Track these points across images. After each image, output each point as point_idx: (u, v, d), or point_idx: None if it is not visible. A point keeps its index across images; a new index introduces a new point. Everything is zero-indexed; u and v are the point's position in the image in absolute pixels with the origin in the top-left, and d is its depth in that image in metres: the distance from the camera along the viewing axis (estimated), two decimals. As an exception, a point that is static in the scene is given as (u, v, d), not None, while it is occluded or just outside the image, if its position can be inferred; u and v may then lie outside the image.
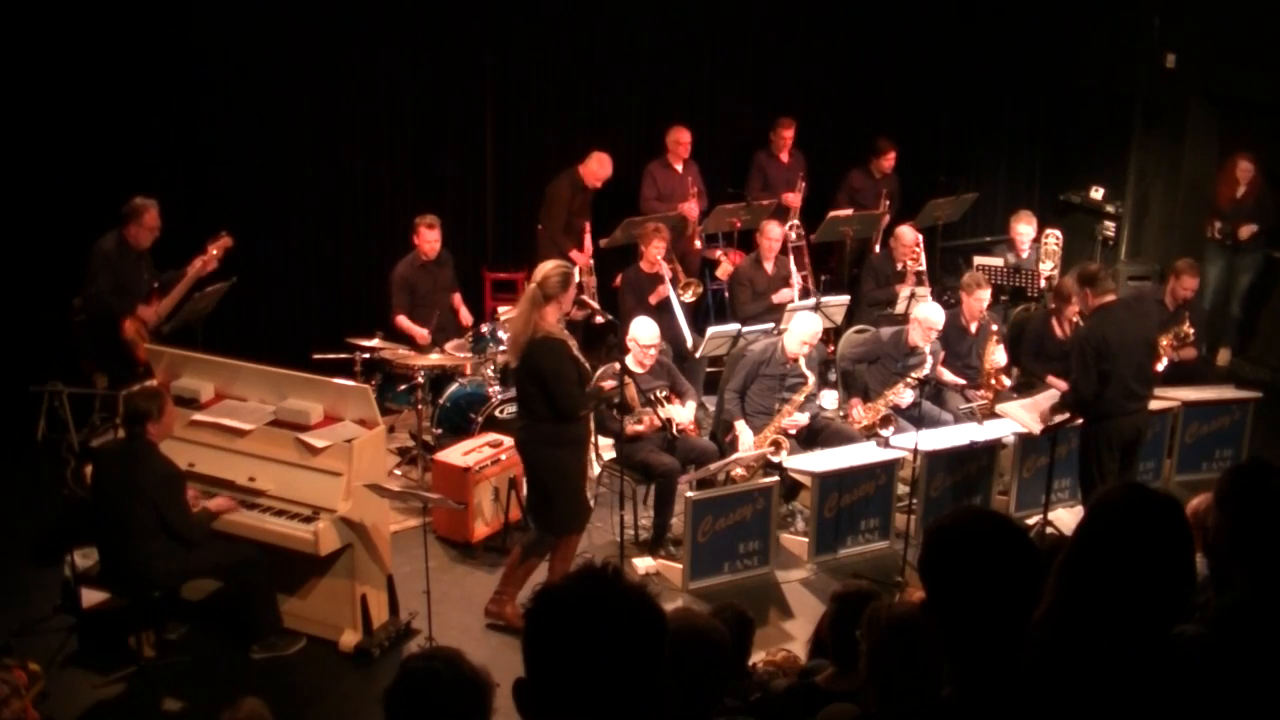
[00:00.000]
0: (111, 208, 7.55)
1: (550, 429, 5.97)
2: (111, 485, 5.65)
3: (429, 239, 8.21)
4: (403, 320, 8.20)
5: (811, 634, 4.79)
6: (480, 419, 7.56)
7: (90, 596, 5.93)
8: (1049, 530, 7.02)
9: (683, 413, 7.26)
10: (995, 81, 11.43)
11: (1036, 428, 6.89)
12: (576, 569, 1.98)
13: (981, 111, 11.51)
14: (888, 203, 10.01)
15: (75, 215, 8.02)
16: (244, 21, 8.66)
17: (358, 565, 6.03)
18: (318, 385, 6.23)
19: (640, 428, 7.06)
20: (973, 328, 8.15)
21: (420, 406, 7.74)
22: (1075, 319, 7.56)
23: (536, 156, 9.83)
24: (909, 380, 7.57)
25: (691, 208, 9.55)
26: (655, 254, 8.44)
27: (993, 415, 7.55)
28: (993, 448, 7.42)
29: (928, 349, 7.63)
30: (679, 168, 9.69)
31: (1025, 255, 9.45)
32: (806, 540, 7.13)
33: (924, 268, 9.20)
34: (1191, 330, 7.99)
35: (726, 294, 9.40)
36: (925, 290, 9.02)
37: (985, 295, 8.13)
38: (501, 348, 7.70)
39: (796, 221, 9.75)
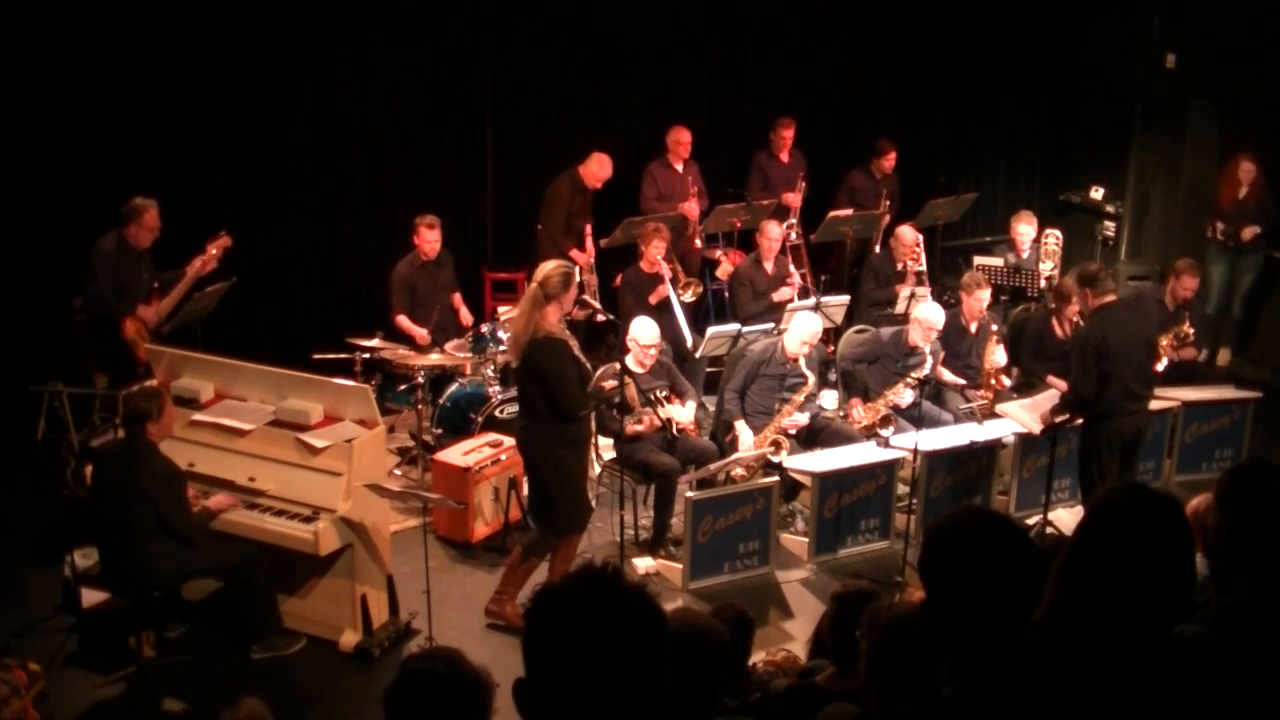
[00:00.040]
0: (111, 208, 7.56)
1: (551, 429, 5.97)
2: (111, 485, 5.65)
3: (429, 239, 8.21)
4: (402, 320, 8.20)
5: (811, 634, 4.79)
6: (480, 419, 7.56)
7: (90, 596, 5.93)
8: (1049, 530, 7.02)
9: (683, 413, 7.26)
10: (995, 81, 11.43)
11: (1036, 428, 6.90)
12: (576, 569, 1.98)
13: (981, 111, 11.51)
14: (888, 203, 10.02)
15: (75, 215, 8.02)
16: (244, 21, 8.67)
17: (358, 565, 6.03)
18: (318, 385, 6.23)
19: (640, 428, 7.06)
20: (973, 328, 8.15)
21: (420, 406, 7.74)
22: (1075, 319, 7.56)
23: (536, 156, 9.83)
24: (909, 380, 7.57)
25: (692, 207, 9.55)
26: (655, 254, 8.44)
27: (993, 415, 7.55)
28: (993, 448, 7.42)
29: (928, 349, 7.63)
30: (679, 168, 9.69)
31: (1026, 255, 9.44)
32: (806, 540, 7.13)
33: (924, 268, 9.20)
34: (1191, 330, 7.99)
35: (726, 294, 9.40)
36: (925, 290, 9.02)
37: (985, 295, 8.13)
38: (502, 348, 7.70)
39: (793, 220, 9.75)
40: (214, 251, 7.72)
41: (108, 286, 7.43)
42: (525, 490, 7.06)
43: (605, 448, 7.31)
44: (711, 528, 6.75)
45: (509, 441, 7.16)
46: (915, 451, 6.93)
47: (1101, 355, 6.55)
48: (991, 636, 2.20)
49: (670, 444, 7.10)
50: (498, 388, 7.75)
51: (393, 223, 9.24)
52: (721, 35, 10.43)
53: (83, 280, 7.54)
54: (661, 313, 8.20)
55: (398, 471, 7.84)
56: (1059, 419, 6.81)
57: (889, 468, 7.21)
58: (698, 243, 9.66)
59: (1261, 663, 2.54)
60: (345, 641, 6.04)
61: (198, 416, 6.20)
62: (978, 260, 9.55)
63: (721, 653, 3.30)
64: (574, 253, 9.03)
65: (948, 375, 8.04)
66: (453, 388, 7.84)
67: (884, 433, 7.40)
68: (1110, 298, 6.73)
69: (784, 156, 10.12)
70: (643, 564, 6.92)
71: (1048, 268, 9.58)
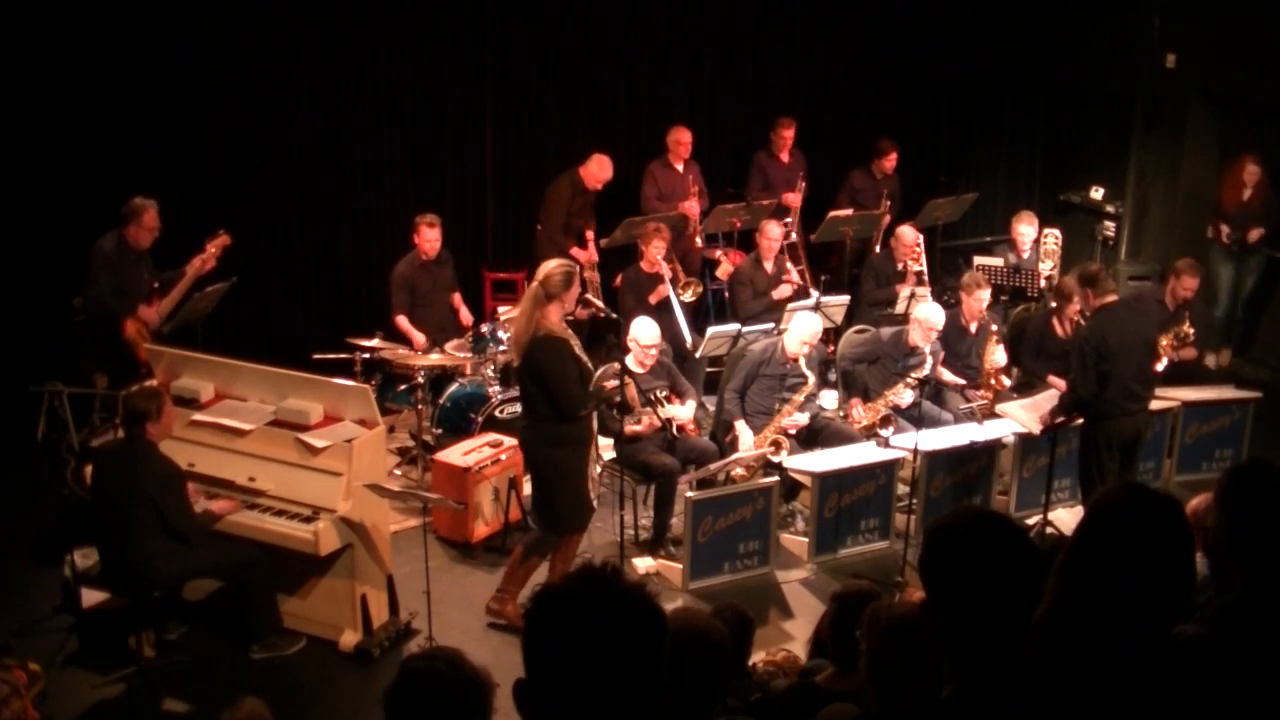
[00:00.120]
0: (111, 208, 7.56)
1: (552, 428, 5.97)
2: (111, 485, 5.65)
3: (429, 238, 8.21)
4: (402, 321, 8.20)
5: (811, 634, 4.79)
6: (480, 419, 7.56)
7: (90, 596, 5.93)
8: (1049, 530, 7.02)
9: (683, 412, 7.26)
10: (995, 81, 11.43)
11: (1036, 428, 6.90)
12: (576, 569, 1.98)
13: (981, 111, 11.51)
14: (888, 203, 10.02)
15: (75, 215, 8.01)
16: (244, 22, 8.67)
17: (358, 565, 6.02)
18: (318, 385, 6.23)
19: (639, 428, 7.06)
20: (973, 328, 8.15)
21: (420, 406, 7.74)
22: (1077, 318, 7.56)
23: (536, 157, 9.83)
24: (909, 380, 7.57)
25: (693, 206, 9.55)
26: (655, 254, 8.45)
27: (993, 415, 7.55)
28: (993, 448, 7.42)
29: (928, 349, 7.63)
30: (680, 167, 9.69)
31: (1026, 256, 9.44)
32: (806, 540, 7.13)
33: (924, 268, 9.20)
34: (1191, 330, 7.99)
35: (726, 294, 9.40)
36: (925, 290, 9.02)
37: (985, 295, 8.14)
38: (502, 348, 7.71)
39: (790, 219, 9.74)
40: (213, 250, 7.72)
41: (108, 287, 7.43)
42: (526, 490, 7.07)
43: (605, 448, 7.31)
44: (711, 528, 6.75)
45: (509, 441, 7.17)
46: (915, 451, 6.93)
47: (1101, 355, 6.55)
48: (991, 636, 2.20)
49: (670, 444, 7.10)
50: (498, 388, 7.75)
51: (393, 223, 9.24)
52: (721, 35, 10.43)
53: (83, 280, 7.54)
54: (661, 313, 8.20)
55: (398, 471, 7.84)
56: (1059, 419, 6.81)
57: (889, 468, 7.21)
58: (698, 242, 9.66)
59: (1261, 663, 2.54)
60: (345, 641, 6.04)
61: (198, 416, 6.20)
62: (978, 260, 9.55)
63: (721, 653, 3.30)
64: (575, 251, 9.03)
65: (948, 375, 8.04)
66: (453, 388, 7.84)
67: (884, 433, 7.40)
68: (1111, 298, 6.73)
69: (784, 156, 10.12)
70: (643, 564, 6.92)
71: (1047, 267, 9.58)
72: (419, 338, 8.12)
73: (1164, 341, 7.64)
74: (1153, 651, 2.27)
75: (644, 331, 7.15)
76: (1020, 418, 7.03)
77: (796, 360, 7.34)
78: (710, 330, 8.29)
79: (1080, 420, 6.84)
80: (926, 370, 7.53)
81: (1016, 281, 9.13)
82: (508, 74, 9.74)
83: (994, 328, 8.18)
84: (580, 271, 6.42)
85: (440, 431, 7.72)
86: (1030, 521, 7.06)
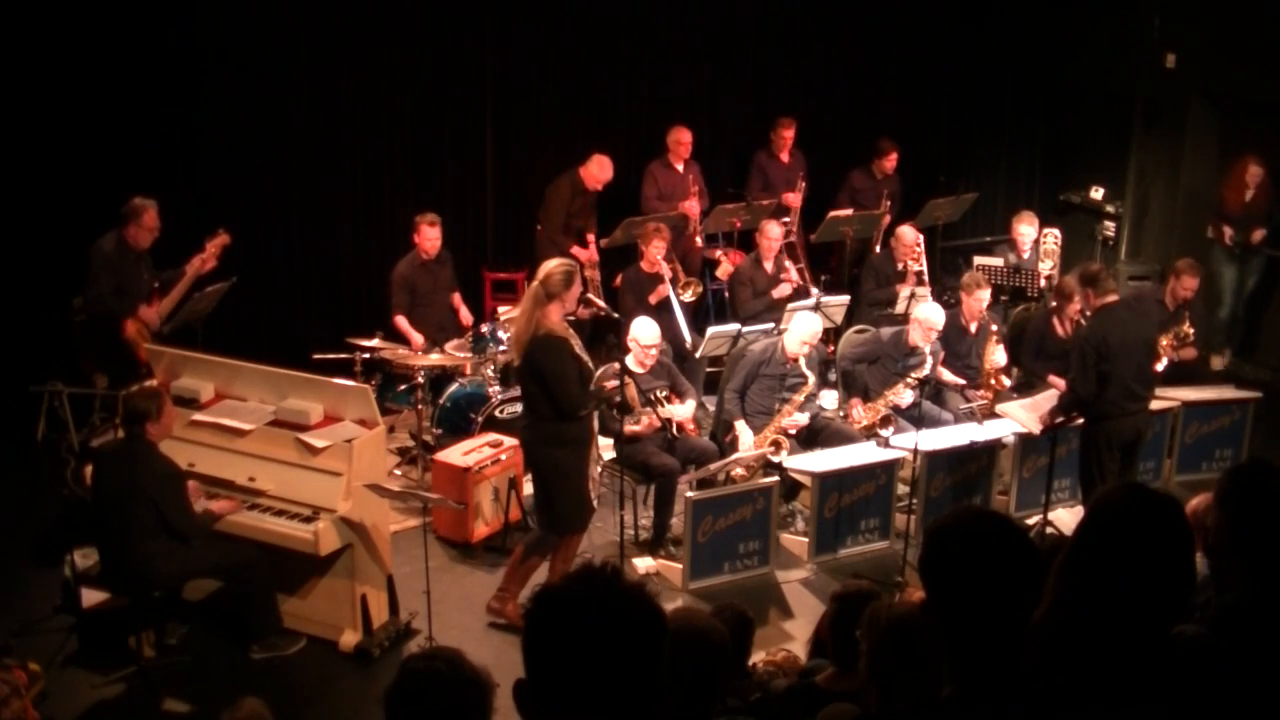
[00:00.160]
0: (111, 208, 7.56)
1: (552, 428, 5.97)
2: (111, 485, 5.65)
3: (430, 236, 8.21)
4: (401, 322, 8.20)
5: (811, 634, 4.79)
6: (480, 419, 7.55)
7: (90, 596, 5.93)
8: (1049, 530, 7.02)
9: (682, 412, 7.26)
10: (995, 81, 11.44)
11: (1036, 428, 6.89)
12: (576, 569, 1.98)
13: (981, 111, 11.51)
14: (889, 203, 10.01)
15: (75, 215, 8.01)
16: (244, 21, 8.66)
17: (358, 565, 6.02)
18: (318, 385, 6.22)
19: (639, 428, 7.05)
20: (973, 328, 8.15)
21: (420, 406, 7.74)
22: (1077, 317, 7.55)
23: (536, 157, 9.83)
24: (909, 380, 7.58)
25: (693, 206, 9.55)
26: (655, 254, 8.45)
27: (993, 415, 7.55)
28: (993, 448, 7.42)
29: (928, 349, 7.63)
30: (680, 167, 9.69)
31: (1027, 256, 9.44)
32: (806, 540, 7.13)
33: (924, 268, 9.20)
34: (1191, 330, 7.99)
35: (726, 294, 9.40)
36: (925, 290, 9.02)
37: (985, 295, 8.14)
38: (502, 348, 7.71)
39: (787, 219, 9.73)
40: (212, 250, 7.72)
41: (108, 288, 7.42)
42: (526, 490, 7.07)
43: (605, 448, 7.31)
44: (711, 528, 6.75)
45: (509, 441, 7.17)
46: (915, 451, 6.93)
47: (1102, 355, 6.55)
48: (991, 636, 2.20)
49: (670, 444, 7.10)
50: (498, 388, 7.75)
51: (393, 223, 9.24)
52: (721, 35, 10.43)
53: (83, 280, 7.54)
54: (661, 313, 8.20)
55: (398, 471, 7.84)
56: (1058, 419, 6.81)
57: (889, 468, 7.21)
58: (698, 242, 9.66)
59: (1261, 663, 2.54)
60: (345, 641, 6.04)
61: (198, 416, 6.20)
62: (978, 260, 9.55)
63: (721, 653, 3.30)
64: (576, 250, 9.03)
65: (948, 375, 8.04)
66: (453, 388, 7.84)
67: (884, 433, 7.40)
68: (1112, 298, 6.73)
69: (784, 156, 10.12)
70: (643, 564, 6.92)
71: (1047, 267, 9.58)
72: (417, 339, 8.11)
73: (1164, 341, 7.64)
74: (1153, 651, 2.27)
75: (644, 331, 7.15)
76: (1020, 418, 7.03)
77: (796, 360, 7.34)
78: (710, 330, 8.29)
79: (1080, 420, 6.84)
80: (926, 370, 7.53)
81: (1016, 281, 9.13)
82: (508, 74, 9.73)
83: (994, 328, 8.19)
84: (581, 270, 6.42)
85: (440, 431, 7.72)
86: (1030, 521, 7.06)
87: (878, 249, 9.79)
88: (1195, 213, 10.45)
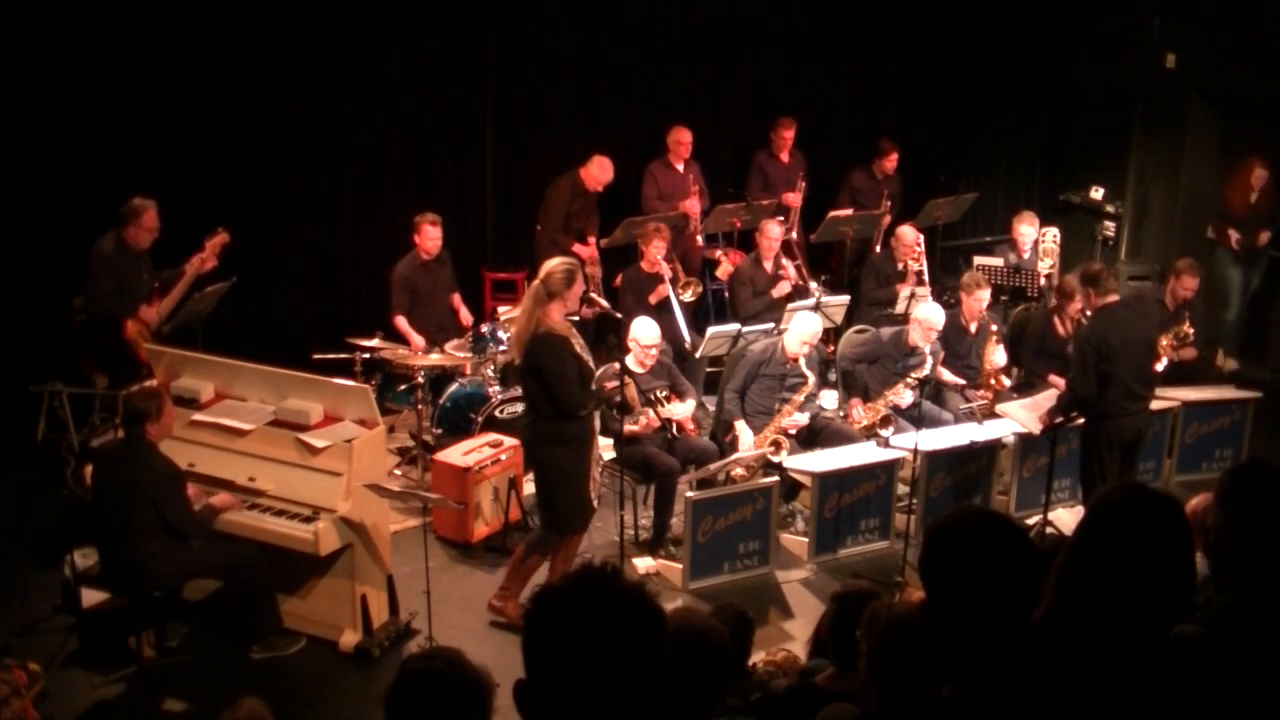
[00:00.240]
0: (111, 208, 7.55)
1: (553, 427, 5.97)
2: (111, 485, 5.65)
3: (431, 235, 8.20)
4: (401, 322, 8.19)
5: (811, 634, 4.79)
6: (480, 419, 7.56)
7: (90, 596, 5.93)
8: (1049, 530, 7.02)
9: (682, 412, 7.26)
10: (995, 81, 11.44)
11: (1036, 428, 6.89)
12: (576, 569, 1.98)
13: (981, 111, 11.51)
14: (889, 203, 10.02)
15: (75, 215, 8.01)
16: (244, 21, 8.66)
17: (358, 565, 6.02)
18: (318, 385, 6.22)
19: (637, 428, 7.05)
20: (973, 328, 8.15)
21: (420, 406, 7.74)
22: (1079, 316, 7.55)
23: (536, 157, 9.83)
24: (909, 380, 7.58)
25: (693, 204, 9.56)
26: (655, 254, 8.45)
27: (993, 415, 7.56)
28: (993, 448, 7.42)
29: (928, 349, 7.63)
30: (680, 167, 9.70)
31: (1027, 256, 9.44)
32: (806, 540, 7.13)
33: (924, 268, 9.20)
34: (1191, 330, 8.00)
35: (726, 294, 9.40)
36: (925, 290, 9.02)
37: (985, 295, 8.14)
38: (502, 348, 7.71)
39: (782, 218, 9.72)
40: (212, 249, 7.72)
41: (108, 288, 7.42)
42: (526, 490, 7.07)
43: (605, 448, 7.31)
44: (711, 528, 6.75)
45: (509, 441, 7.17)
46: (915, 451, 6.93)
47: (1102, 356, 6.55)
48: (991, 636, 2.20)
49: (670, 444, 7.10)
50: (498, 388, 7.75)
51: (393, 223, 9.24)
52: (721, 35, 10.43)
53: (83, 280, 7.53)
54: (661, 313, 8.20)
55: (398, 471, 7.84)
56: (1058, 419, 6.81)
57: (889, 468, 7.21)
58: (699, 241, 9.66)
59: (1261, 663, 2.54)
60: (345, 641, 6.04)
61: (198, 416, 6.20)
62: (978, 260, 9.55)
63: (721, 653, 3.30)
64: (577, 247, 9.03)
65: (948, 375, 8.04)
66: (453, 388, 7.84)
67: (884, 433, 7.40)
68: (1113, 298, 6.73)
69: (784, 156, 10.12)
70: (643, 564, 6.92)
71: (1045, 265, 9.58)
72: (417, 339, 8.11)
73: (1164, 341, 7.64)
74: (1153, 651, 2.27)
75: (644, 331, 7.15)
76: (1020, 418, 7.03)
77: (796, 360, 7.34)
78: (710, 330, 8.29)
79: (1081, 420, 6.84)
80: (926, 370, 7.53)
81: (1016, 281, 9.13)
82: (508, 74, 9.73)
83: (994, 328, 8.19)
84: (582, 268, 6.42)
85: (440, 431, 7.72)
86: (1030, 521, 7.06)
87: (878, 249, 9.79)
88: (1195, 213, 10.46)
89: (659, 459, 6.96)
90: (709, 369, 8.70)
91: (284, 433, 6.05)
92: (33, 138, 8.16)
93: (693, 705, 3.19)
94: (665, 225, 8.83)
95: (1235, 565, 2.80)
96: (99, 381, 7.59)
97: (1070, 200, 11.52)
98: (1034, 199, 11.45)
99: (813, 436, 7.47)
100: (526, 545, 6.30)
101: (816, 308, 8.15)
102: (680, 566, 6.79)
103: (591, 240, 9.34)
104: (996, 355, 8.07)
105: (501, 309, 8.41)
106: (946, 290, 9.49)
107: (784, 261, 8.99)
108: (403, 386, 7.88)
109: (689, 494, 6.72)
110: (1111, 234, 11.16)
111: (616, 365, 6.36)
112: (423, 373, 7.73)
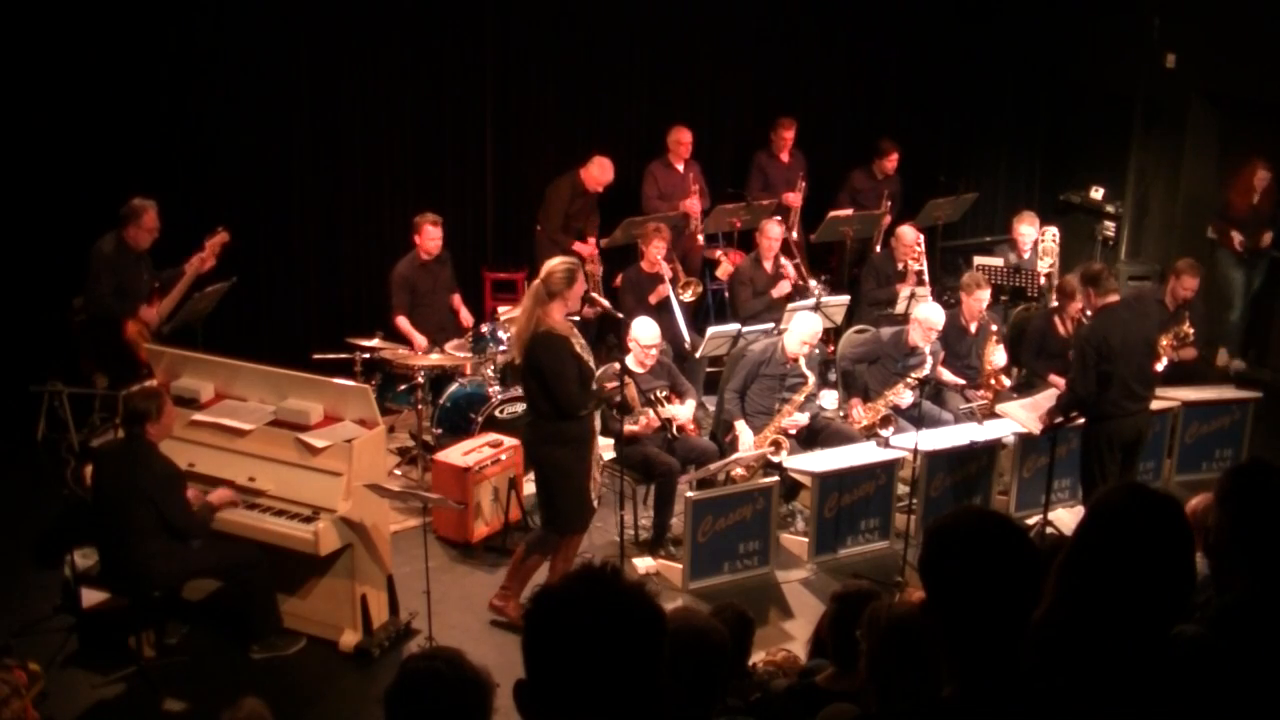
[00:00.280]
0: (111, 208, 7.55)
1: (554, 427, 5.97)
2: (111, 485, 5.65)
3: (432, 235, 8.20)
4: (402, 322, 8.19)
5: (811, 634, 4.79)
6: (480, 419, 7.56)
7: (90, 596, 5.93)
8: (1049, 530, 7.02)
9: (682, 412, 7.26)
10: (995, 81, 11.44)
11: (1036, 428, 6.89)
12: (576, 569, 1.98)
13: (981, 111, 11.51)
14: (889, 203, 10.02)
15: (75, 215, 8.01)
16: (244, 21, 8.66)
17: (358, 565, 6.02)
18: (318, 385, 6.22)
19: (637, 428, 7.05)
20: (973, 328, 8.15)
21: (420, 406, 7.74)
22: (1079, 316, 7.55)
23: (537, 157, 9.83)
24: (909, 380, 7.58)
25: (693, 204, 9.56)
26: (656, 254, 8.45)
27: (993, 415, 7.56)
28: (993, 448, 7.42)
29: (928, 349, 7.63)
30: (680, 167, 9.70)
31: (1027, 256, 9.44)
32: (806, 540, 7.13)
33: (924, 268, 9.20)
34: (1191, 330, 8.00)
35: (726, 294, 9.40)
36: (925, 290, 9.02)
37: (985, 295, 8.14)
38: (502, 348, 7.71)
39: (780, 218, 9.72)
40: (211, 248, 7.72)
41: (108, 289, 7.42)
42: (526, 490, 7.07)
43: (605, 448, 7.30)
44: (711, 528, 6.75)
45: (509, 441, 7.17)
46: (915, 451, 6.94)
47: (1103, 356, 6.55)
48: (991, 636, 2.20)
49: (670, 444, 7.10)
50: (498, 388, 7.75)
51: (393, 223, 9.24)
52: (721, 35, 10.43)
53: (83, 280, 7.53)
54: (661, 313, 8.20)
55: (398, 471, 7.84)
56: (1058, 419, 6.81)
57: (889, 468, 7.21)
58: (699, 240, 9.66)
59: (1261, 663, 2.54)
60: (345, 641, 6.04)
61: (198, 416, 6.20)
62: (978, 260, 9.56)
63: (721, 653, 3.30)
64: (577, 245, 9.02)
65: (948, 375, 8.04)
66: (453, 388, 7.84)
67: (884, 433, 7.40)
68: (1113, 298, 6.73)
69: (784, 156, 10.12)
70: (643, 564, 6.92)
71: (1045, 265, 9.58)
72: (419, 339, 8.11)
73: (1164, 341, 7.64)
74: (1153, 651, 2.27)
75: (644, 331, 7.15)
76: (1020, 418, 7.03)
77: (796, 360, 7.34)
78: (710, 330, 8.29)
79: (1081, 420, 6.84)
80: (926, 370, 7.53)
81: (1016, 281, 9.14)
82: (508, 74, 9.74)
83: (994, 328, 8.19)
84: (583, 268, 6.42)
85: (440, 431, 7.72)
86: (1030, 521, 7.06)
87: (878, 249, 9.79)
88: (1195, 213, 10.46)
89: (659, 459, 6.96)
90: (709, 369, 8.70)
91: (284, 433, 6.05)
92: (33, 138, 8.16)
93: (693, 705, 3.19)
94: (665, 225, 8.83)
95: (1235, 565, 2.80)
96: (99, 381, 7.59)
97: (1070, 200, 11.52)
98: (1034, 199, 11.45)
99: (813, 436, 7.47)
100: (527, 545, 6.29)
101: (816, 308, 8.15)
102: (680, 566, 6.79)
103: (591, 240, 9.34)
104: (996, 355, 8.07)
105: (501, 309, 8.41)
106: (946, 290, 9.49)
107: (783, 261, 8.99)
108: (403, 386, 7.88)
109: (689, 494, 6.72)
110: (1111, 234, 11.16)
111: (616, 365, 6.36)
112: (423, 373, 7.73)
